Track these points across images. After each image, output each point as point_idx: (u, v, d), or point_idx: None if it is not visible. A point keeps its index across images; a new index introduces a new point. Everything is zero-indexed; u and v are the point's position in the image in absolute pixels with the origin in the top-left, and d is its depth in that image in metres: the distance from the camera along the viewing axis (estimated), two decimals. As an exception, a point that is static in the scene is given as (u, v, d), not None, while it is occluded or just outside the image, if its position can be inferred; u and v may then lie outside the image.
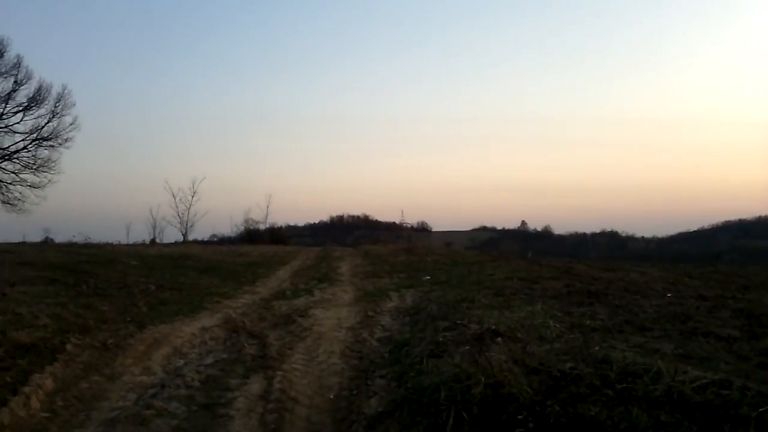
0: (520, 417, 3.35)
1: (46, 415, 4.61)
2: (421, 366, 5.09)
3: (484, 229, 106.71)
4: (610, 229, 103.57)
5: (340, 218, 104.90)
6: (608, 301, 8.07)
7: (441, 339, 5.81)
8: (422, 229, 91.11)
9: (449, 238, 76.73)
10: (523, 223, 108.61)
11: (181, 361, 6.32)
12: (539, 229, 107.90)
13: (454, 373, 4.25)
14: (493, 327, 5.74)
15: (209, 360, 6.27)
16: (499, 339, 5.31)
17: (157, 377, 5.73)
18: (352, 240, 65.79)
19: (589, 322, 6.47)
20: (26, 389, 4.80)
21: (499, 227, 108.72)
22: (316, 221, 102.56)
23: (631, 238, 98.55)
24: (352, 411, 4.66)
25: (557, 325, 5.99)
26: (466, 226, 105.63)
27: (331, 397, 5.07)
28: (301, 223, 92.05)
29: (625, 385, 3.62)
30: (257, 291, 12.21)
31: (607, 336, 5.70)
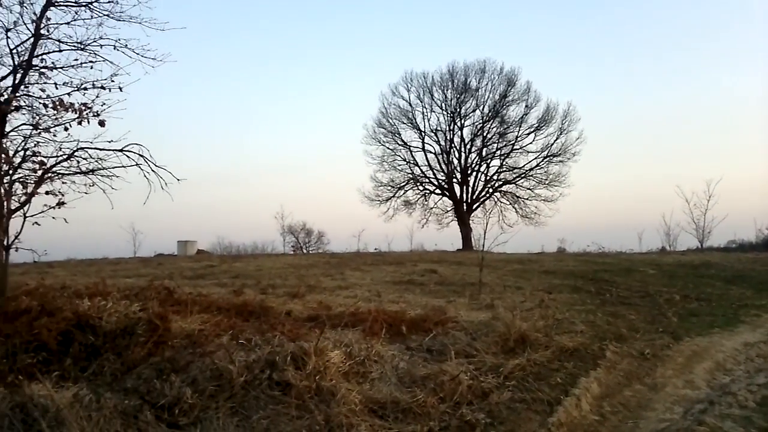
0: None
1: (596, 418, 4.89)
2: None
3: None
4: None
5: None
6: None
7: None
8: None
9: None
10: None
11: (727, 378, 5.90)
12: None
13: None
14: None
15: (761, 379, 5.65)
16: None
17: (702, 392, 5.47)
18: None
19: None
20: (576, 391, 5.20)
21: None
22: None
23: None
24: None
25: None
26: None
27: None
28: None
29: None
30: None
31: None
